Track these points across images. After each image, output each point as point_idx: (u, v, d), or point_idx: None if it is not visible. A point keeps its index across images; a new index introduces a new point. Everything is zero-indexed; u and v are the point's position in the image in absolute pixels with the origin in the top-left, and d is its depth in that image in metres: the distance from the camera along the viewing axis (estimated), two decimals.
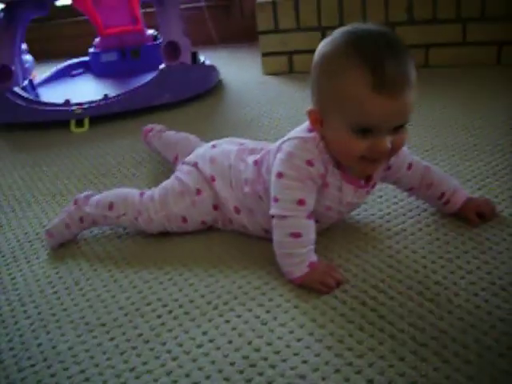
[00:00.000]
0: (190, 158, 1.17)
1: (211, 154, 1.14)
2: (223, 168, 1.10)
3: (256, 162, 1.05)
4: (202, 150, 1.17)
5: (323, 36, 2.16)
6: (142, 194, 1.14)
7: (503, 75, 1.92)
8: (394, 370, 0.73)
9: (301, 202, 0.92)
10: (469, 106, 1.67)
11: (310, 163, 0.92)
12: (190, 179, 1.12)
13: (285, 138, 0.97)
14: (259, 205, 1.04)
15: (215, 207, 1.11)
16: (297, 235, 0.92)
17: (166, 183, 1.15)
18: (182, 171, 1.15)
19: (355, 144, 0.87)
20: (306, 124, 0.96)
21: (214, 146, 1.17)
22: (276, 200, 0.93)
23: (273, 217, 0.94)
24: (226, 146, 1.16)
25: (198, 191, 1.10)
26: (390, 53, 0.83)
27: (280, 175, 0.93)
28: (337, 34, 0.89)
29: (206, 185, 1.10)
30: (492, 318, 0.80)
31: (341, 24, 2.12)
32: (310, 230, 0.94)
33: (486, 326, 0.79)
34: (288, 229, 0.92)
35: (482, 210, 1.05)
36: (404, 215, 1.10)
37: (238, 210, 1.08)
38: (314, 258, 0.93)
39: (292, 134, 0.97)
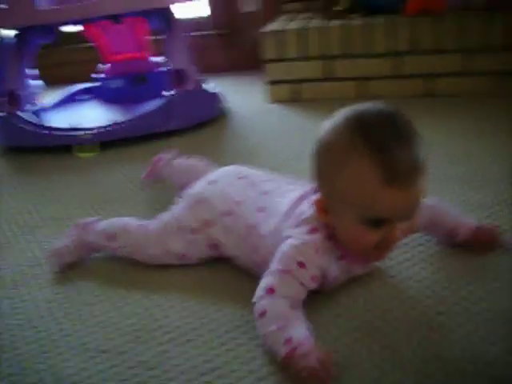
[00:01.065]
0: (190, 192, 1.15)
1: (207, 195, 1.10)
2: (218, 213, 1.07)
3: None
4: (200, 187, 1.14)
5: (329, 65, 2.18)
6: (141, 227, 1.14)
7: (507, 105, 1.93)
8: None
9: (270, 291, 0.86)
10: (474, 134, 1.67)
11: (301, 265, 0.87)
12: (186, 218, 1.10)
13: (292, 228, 0.91)
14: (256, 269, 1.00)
15: (212, 246, 1.08)
16: (262, 314, 0.84)
17: (165, 217, 1.14)
18: (181, 206, 1.13)
19: (367, 236, 0.83)
20: (307, 216, 0.91)
21: (211, 183, 1.13)
22: (270, 291, 0.86)
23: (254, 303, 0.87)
24: (225, 181, 1.12)
25: (193, 231, 1.08)
26: (400, 141, 0.79)
27: (280, 272, 0.88)
28: (340, 118, 0.85)
29: (201, 225, 1.08)
30: (497, 350, 0.79)
31: (346, 54, 2.15)
32: (277, 307, 0.84)
33: (490, 356, 0.78)
34: (256, 313, 0.85)
35: (489, 239, 1.03)
36: (407, 244, 1.09)
37: (237, 258, 1.06)
38: (295, 334, 0.79)
39: (294, 225, 0.91)
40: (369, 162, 0.78)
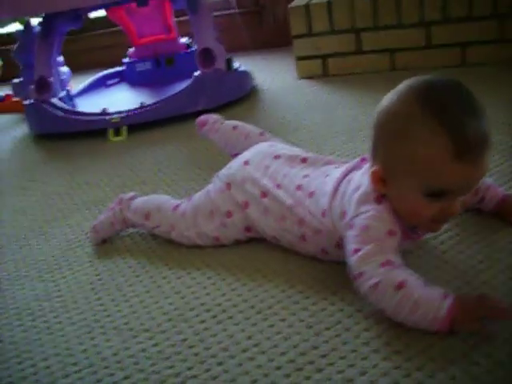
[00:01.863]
0: (224, 173, 1.13)
1: (243, 176, 1.08)
2: (255, 195, 1.05)
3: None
4: (235, 167, 1.12)
5: (357, 38, 2.15)
6: (175, 208, 1.14)
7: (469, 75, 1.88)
8: (444, 374, 0.71)
9: (384, 264, 0.81)
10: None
11: (391, 233, 0.84)
12: (221, 199, 1.09)
13: (351, 210, 0.88)
14: (301, 245, 1.01)
15: (248, 229, 1.08)
16: (401, 284, 0.78)
17: (199, 198, 1.13)
18: (215, 187, 1.12)
19: (426, 207, 0.82)
20: (367, 191, 0.87)
21: (246, 163, 1.10)
22: (359, 276, 0.82)
23: (366, 295, 0.83)
24: (261, 161, 1.09)
25: (229, 213, 1.08)
26: (470, 114, 0.77)
27: (356, 251, 0.83)
28: (405, 88, 0.82)
29: (237, 208, 1.07)
30: None
31: (375, 26, 2.11)
32: (408, 271, 0.81)
33: None
34: (388, 289, 0.78)
35: None
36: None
37: (276, 240, 1.05)
38: (444, 292, 0.78)
39: (358, 204, 0.87)
40: (441, 134, 0.76)
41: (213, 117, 1.39)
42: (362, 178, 0.90)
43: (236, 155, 1.20)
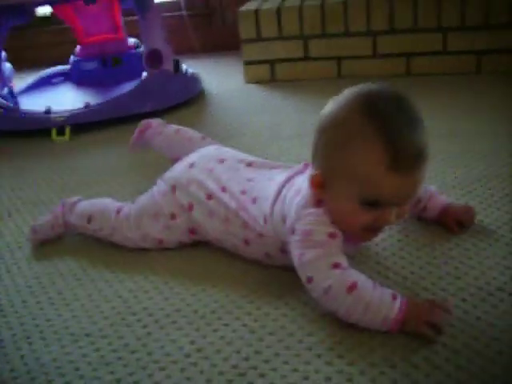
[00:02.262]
0: (168, 176, 1.12)
1: (188, 178, 1.08)
2: (200, 197, 1.05)
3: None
4: (180, 170, 1.12)
5: (305, 45, 2.17)
6: (119, 211, 1.12)
7: (484, 84, 1.94)
8: (385, 378, 0.72)
9: (334, 266, 0.82)
10: (451, 113, 1.68)
11: (332, 235, 0.84)
12: (165, 202, 1.08)
13: (291, 215, 0.89)
14: (244, 249, 1.01)
15: (192, 231, 1.07)
16: (353, 286, 0.79)
17: (143, 201, 1.12)
18: (159, 190, 1.11)
19: (360, 215, 0.83)
20: (306, 195, 0.88)
21: (191, 166, 1.10)
22: (310, 280, 0.83)
23: (318, 299, 0.84)
24: (206, 164, 1.09)
25: (173, 216, 1.07)
26: (409, 126, 0.79)
27: (300, 256, 0.84)
28: (350, 96, 0.83)
29: (181, 210, 1.07)
30: (481, 324, 0.80)
31: (323, 34, 2.14)
32: (357, 273, 0.82)
33: (476, 331, 0.78)
34: (340, 293, 0.80)
35: (461, 217, 1.04)
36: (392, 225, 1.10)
37: (220, 242, 1.05)
38: (394, 292, 0.80)
39: (298, 209, 0.88)
40: (378, 145, 0.77)
41: (156, 120, 1.39)
42: (302, 183, 0.91)
43: (177, 159, 1.19)
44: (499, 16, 1.98)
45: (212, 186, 1.04)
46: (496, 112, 1.66)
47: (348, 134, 0.81)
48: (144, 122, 1.39)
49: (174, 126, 1.35)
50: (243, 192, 1.01)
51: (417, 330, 0.77)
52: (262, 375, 0.75)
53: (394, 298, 0.79)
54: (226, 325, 0.86)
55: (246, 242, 0.99)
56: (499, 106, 1.71)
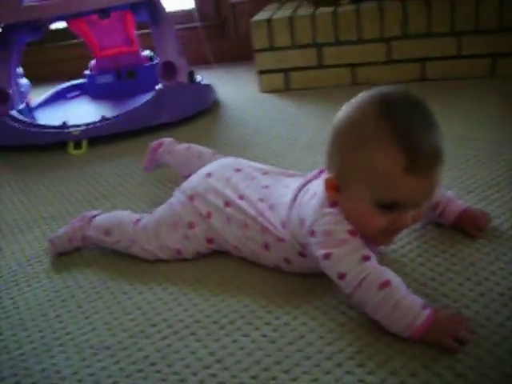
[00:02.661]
0: (186, 186, 1.13)
1: (206, 187, 1.08)
2: (218, 205, 1.05)
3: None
4: (197, 180, 1.13)
5: (319, 53, 2.17)
6: (136, 222, 1.13)
7: (498, 87, 1.92)
8: None
9: (365, 258, 0.82)
10: (467, 117, 1.67)
11: (352, 233, 0.84)
12: (183, 211, 1.09)
13: (309, 217, 0.89)
14: (264, 254, 1.01)
15: (210, 241, 1.07)
16: (386, 284, 0.80)
17: (161, 211, 1.13)
18: (177, 200, 1.12)
19: (377, 219, 0.82)
20: (322, 196, 0.88)
21: (209, 175, 1.11)
22: (343, 276, 0.83)
23: (350, 295, 0.83)
24: (222, 174, 1.10)
25: (191, 225, 1.07)
26: (426, 129, 0.79)
27: (328, 255, 0.84)
28: (366, 98, 0.83)
29: (199, 219, 1.07)
30: (504, 330, 0.79)
31: (336, 41, 2.14)
32: (393, 274, 0.83)
33: (498, 337, 0.78)
34: (372, 286, 0.80)
35: (478, 221, 1.03)
36: (409, 228, 1.09)
37: (238, 250, 1.05)
38: (425, 303, 0.80)
39: (315, 211, 0.88)
40: (394, 146, 0.78)
41: (167, 139, 1.42)
42: (318, 187, 0.91)
43: (189, 176, 1.20)
44: None
45: (230, 193, 1.05)
46: None
47: (363, 135, 0.81)
48: (154, 142, 1.42)
49: (185, 144, 1.37)
50: (261, 200, 1.01)
51: (441, 342, 0.77)
52: None
53: (424, 307, 0.78)
54: (246, 335, 0.86)
55: (266, 247, 0.99)
56: None
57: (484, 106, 1.75)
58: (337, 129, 0.85)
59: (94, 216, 1.20)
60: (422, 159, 0.78)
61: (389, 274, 0.82)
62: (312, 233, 0.87)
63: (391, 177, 0.78)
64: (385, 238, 0.88)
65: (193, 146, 1.35)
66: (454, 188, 1.20)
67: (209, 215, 1.06)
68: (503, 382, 0.70)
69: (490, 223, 1.05)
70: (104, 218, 1.19)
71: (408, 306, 0.78)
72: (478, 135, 1.51)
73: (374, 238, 0.87)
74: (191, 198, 1.09)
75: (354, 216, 0.85)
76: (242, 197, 1.04)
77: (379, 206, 0.81)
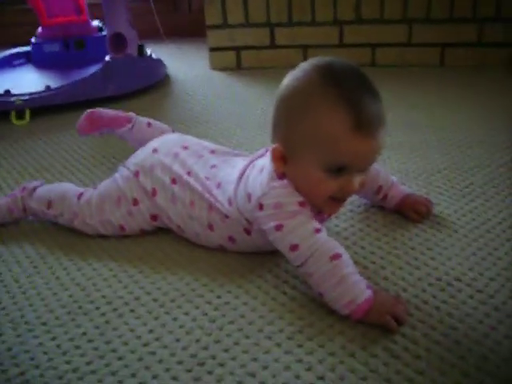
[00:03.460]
0: (131, 161, 1.10)
1: (152, 162, 1.06)
2: (164, 181, 1.04)
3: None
4: (143, 155, 1.10)
5: (272, 33, 2.16)
6: (80, 196, 1.10)
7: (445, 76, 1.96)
8: (344, 367, 0.73)
9: (316, 230, 0.84)
10: (415, 103, 1.69)
11: (302, 204, 0.85)
12: (128, 187, 1.06)
13: (257, 191, 0.88)
14: (207, 235, 1.00)
15: (154, 218, 1.06)
16: (336, 256, 0.81)
17: (105, 186, 1.10)
18: (122, 176, 1.09)
19: (326, 184, 0.83)
20: (270, 170, 0.88)
21: (155, 151, 1.08)
22: (295, 248, 0.83)
23: (299, 266, 0.84)
24: (169, 150, 1.07)
25: (135, 201, 1.06)
26: (367, 91, 0.81)
27: (279, 227, 0.84)
28: (308, 67, 0.84)
29: (144, 196, 1.05)
30: (439, 313, 0.81)
31: (289, 21, 2.13)
32: (344, 249, 0.84)
33: (434, 321, 0.79)
34: (324, 258, 0.81)
35: (419, 207, 1.06)
36: (351, 211, 1.10)
37: (181, 230, 1.04)
38: (369, 284, 0.83)
39: (263, 184, 0.88)
40: (341, 110, 0.79)
41: (140, 118, 1.26)
42: (265, 162, 0.91)
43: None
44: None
45: (177, 169, 1.04)
46: (459, 104, 1.68)
47: (310, 102, 0.82)
48: (118, 112, 1.27)
49: (144, 119, 1.26)
50: (207, 178, 1.01)
51: (380, 320, 0.78)
52: (221, 364, 0.75)
53: (368, 287, 0.81)
54: (186, 314, 0.85)
55: (210, 227, 0.98)
56: (462, 98, 1.73)
57: (430, 95, 1.78)
58: (282, 98, 0.86)
59: (36, 187, 1.16)
60: (368, 119, 0.80)
61: (339, 248, 0.83)
62: (260, 207, 0.87)
63: (339, 137, 0.80)
64: (332, 206, 0.89)
65: (152, 121, 1.25)
66: (398, 174, 1.22)
67: (154, 192, 1.04)
68: (437, 364, 0.72)
69: (433, 209, 1.07)
70: (46, 189, 1.15)
71: (353, 282, 0.80)
72: (425, 122, 1.54)
73: (322, 207, 0.88)
74: (136, 173, 1.07)
75: (302, 185, 0.85)
76: (189, 173, 1.02)
77: (327, 171, 0.82)
